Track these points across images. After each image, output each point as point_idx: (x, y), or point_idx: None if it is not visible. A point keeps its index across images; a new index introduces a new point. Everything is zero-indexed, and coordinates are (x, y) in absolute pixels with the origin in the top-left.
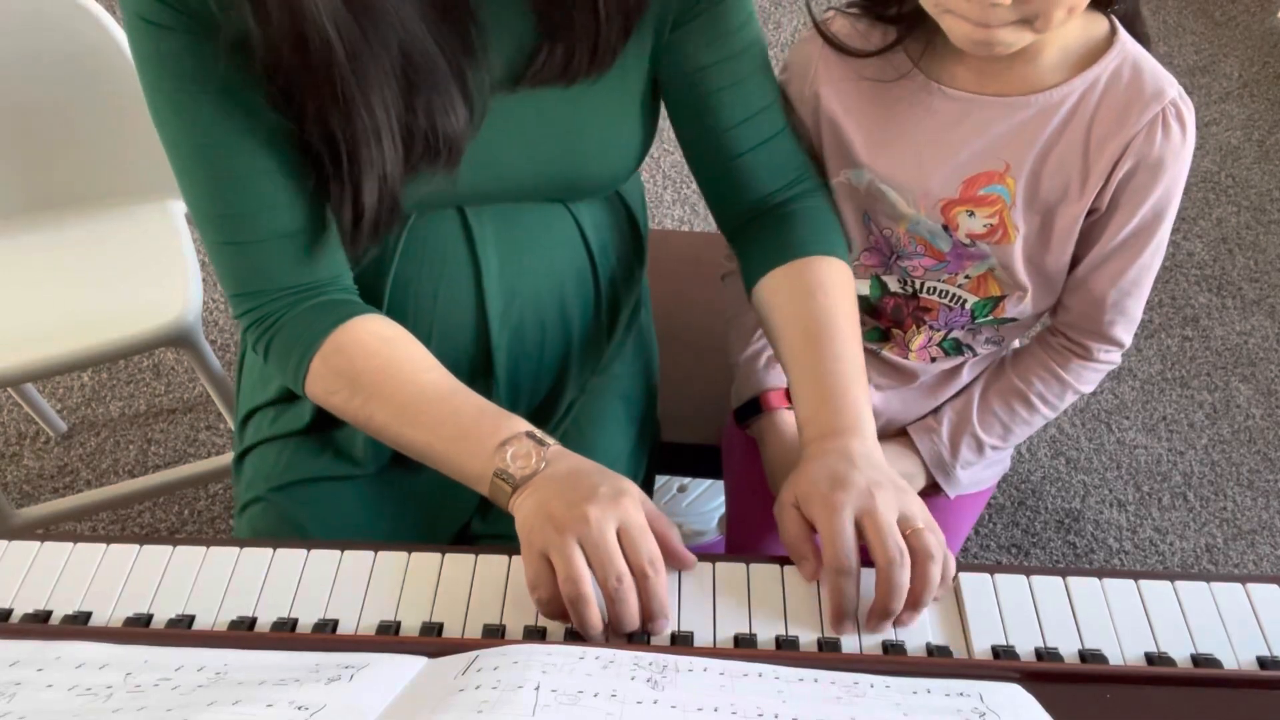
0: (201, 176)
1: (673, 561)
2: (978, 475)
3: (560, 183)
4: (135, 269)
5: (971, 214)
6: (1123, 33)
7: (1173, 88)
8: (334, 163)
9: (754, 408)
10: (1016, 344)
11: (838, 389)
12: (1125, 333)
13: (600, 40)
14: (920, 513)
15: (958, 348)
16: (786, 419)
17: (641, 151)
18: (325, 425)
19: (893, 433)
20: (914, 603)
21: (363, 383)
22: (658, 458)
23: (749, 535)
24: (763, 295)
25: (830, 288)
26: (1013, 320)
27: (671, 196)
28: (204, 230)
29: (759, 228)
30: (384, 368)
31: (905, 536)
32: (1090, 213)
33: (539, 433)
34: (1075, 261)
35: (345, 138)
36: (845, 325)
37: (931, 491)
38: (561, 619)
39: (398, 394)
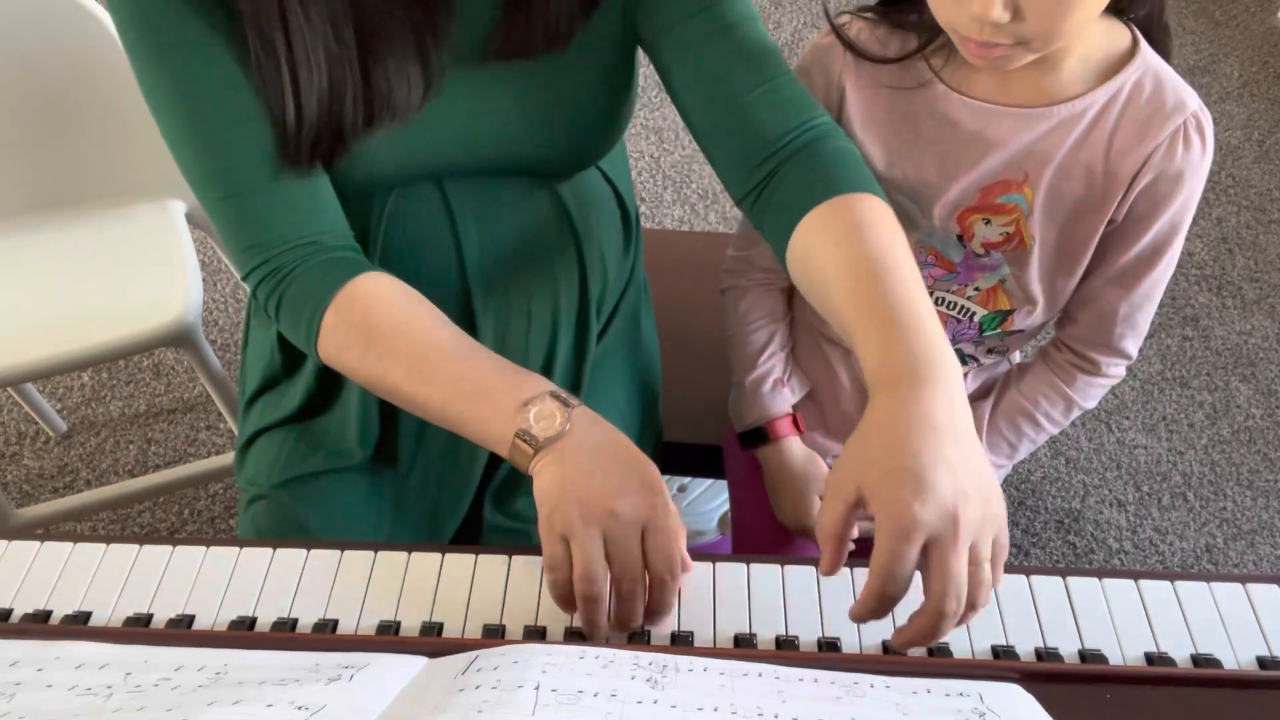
0: (193, 132)
1: None
2: None
3: (533, 156)
4: (135, 269)
5: (988, 222)
6: (1144, 44)
7: (1193, 100)
8: (274, 64)
9: (760, 434)
10: (1018, 356)
11: (908, 324)
12: (1133, 345)
13: (554, 13)
14: (992, 534)
15: (961, 359)
16: (792, 447)
17: (614, 126)
18: (317, 409)
19: None
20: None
21: (376, 338)
22: (660, 459)
23: (755, 549)
24: (800, 245)
25: (877, 224)
26: (1019, 332)
27: (671, 196)
28: (202, 191)
29: (782, 177)
30: (398, 323)
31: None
32: (1107, 224)
33: (563, 393)
34: (1087, 273)
35: (284, 44)
36: (904, 262)
37: None
38: (566, 604)
39: (413, 350)
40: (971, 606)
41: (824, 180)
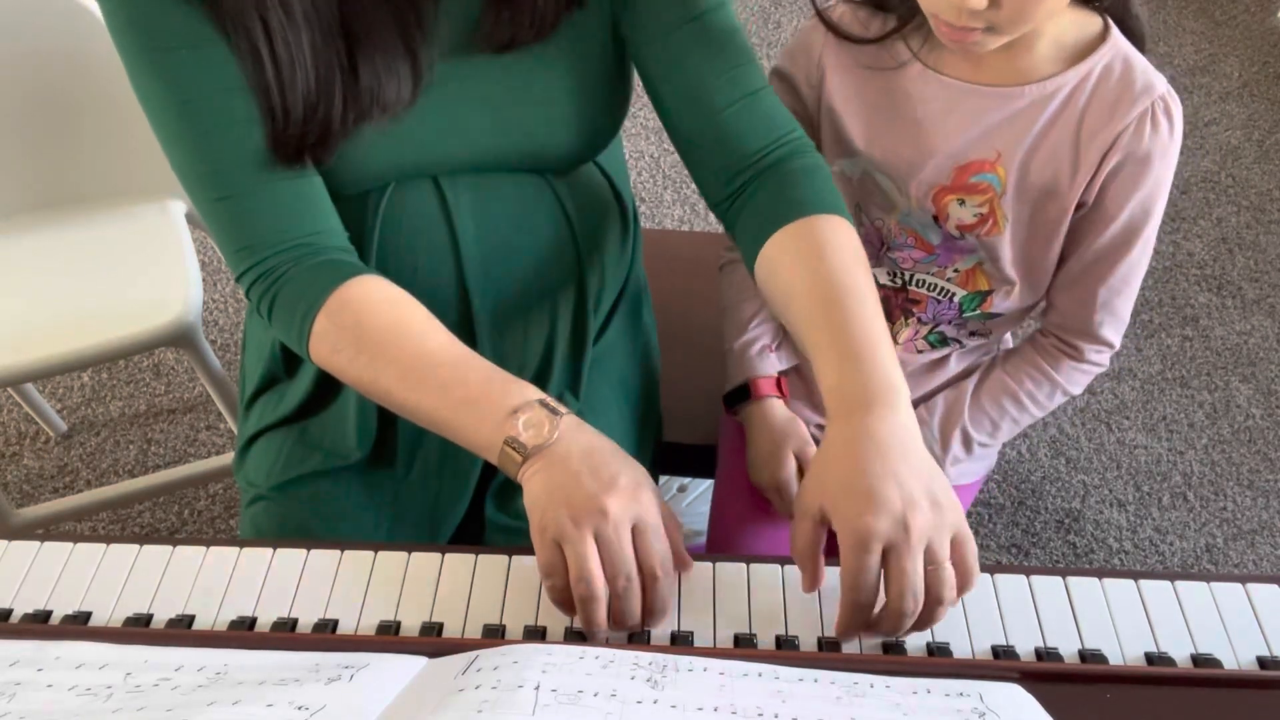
0: (186, 135)
1: (674, 563)
2: (965, 469)
3: (525, 150)
4: (135, 269)
5: (962, 202)
6: (1115, 30)
7: (1161, 83)
8: (258, 63)
9: (743, 394)
10: (1008, 338)
11: (862, 353)
12: (1114, 333)
13: (540, 2)
14: (949, 534)
15: (943, 340)
16: (774, 407)
17: (609, 119)
18: (315, 408)
19: None
20: (917, 629)
21: (368, 342)
22: (660, 456)
23: (728, 527)
24: (766, 262)
25: (841, 248)
26: (999, 315)
27: (671, 196)
28: (195, 193)
29: (753, 191)
30: (391, 328)
31: (925, 571)
32: (1079, 208)
33: (552, 401)
34: (1064, 259)
35: (265, 42)
36: (863, 286)
37: None
38: (567, 608)
39: (404, 355)
40: (939, 601)
41: (792, 200)
